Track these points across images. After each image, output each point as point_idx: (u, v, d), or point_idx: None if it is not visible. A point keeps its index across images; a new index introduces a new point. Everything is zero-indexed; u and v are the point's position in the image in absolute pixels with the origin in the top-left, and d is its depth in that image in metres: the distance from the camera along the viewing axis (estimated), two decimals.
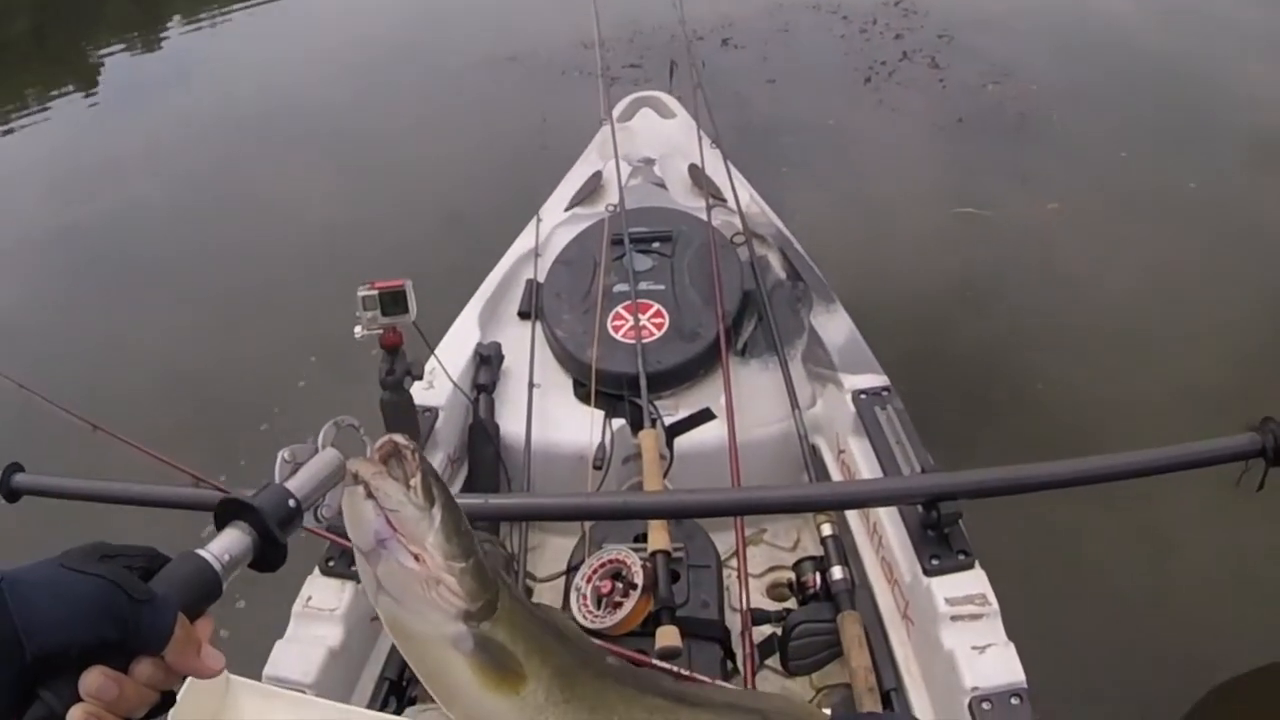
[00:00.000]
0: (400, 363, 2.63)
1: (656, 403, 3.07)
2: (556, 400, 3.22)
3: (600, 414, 3.07)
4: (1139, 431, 4.07)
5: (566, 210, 4.21)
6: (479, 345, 3.31)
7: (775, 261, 3.70)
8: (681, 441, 2.98)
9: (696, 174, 4.28)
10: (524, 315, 3.58)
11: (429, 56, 10.56)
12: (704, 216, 3.76)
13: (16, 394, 2.94)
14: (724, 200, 3.99)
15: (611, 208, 3.89)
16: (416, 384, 2.75)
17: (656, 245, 3.64)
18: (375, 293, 2.53)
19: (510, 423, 3.13)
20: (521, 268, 3.81)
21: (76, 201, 8.31)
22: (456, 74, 9.77)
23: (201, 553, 1.01)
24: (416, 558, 1.08)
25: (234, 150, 8.85)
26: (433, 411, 2.93)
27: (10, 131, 11.43)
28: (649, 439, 2.82)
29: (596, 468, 2.91)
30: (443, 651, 1.12)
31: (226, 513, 1.07)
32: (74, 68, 15.03)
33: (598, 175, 4.36)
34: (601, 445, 2.96)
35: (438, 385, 3.01)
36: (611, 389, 3.13)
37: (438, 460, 2.89)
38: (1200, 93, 7.25)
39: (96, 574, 0.90)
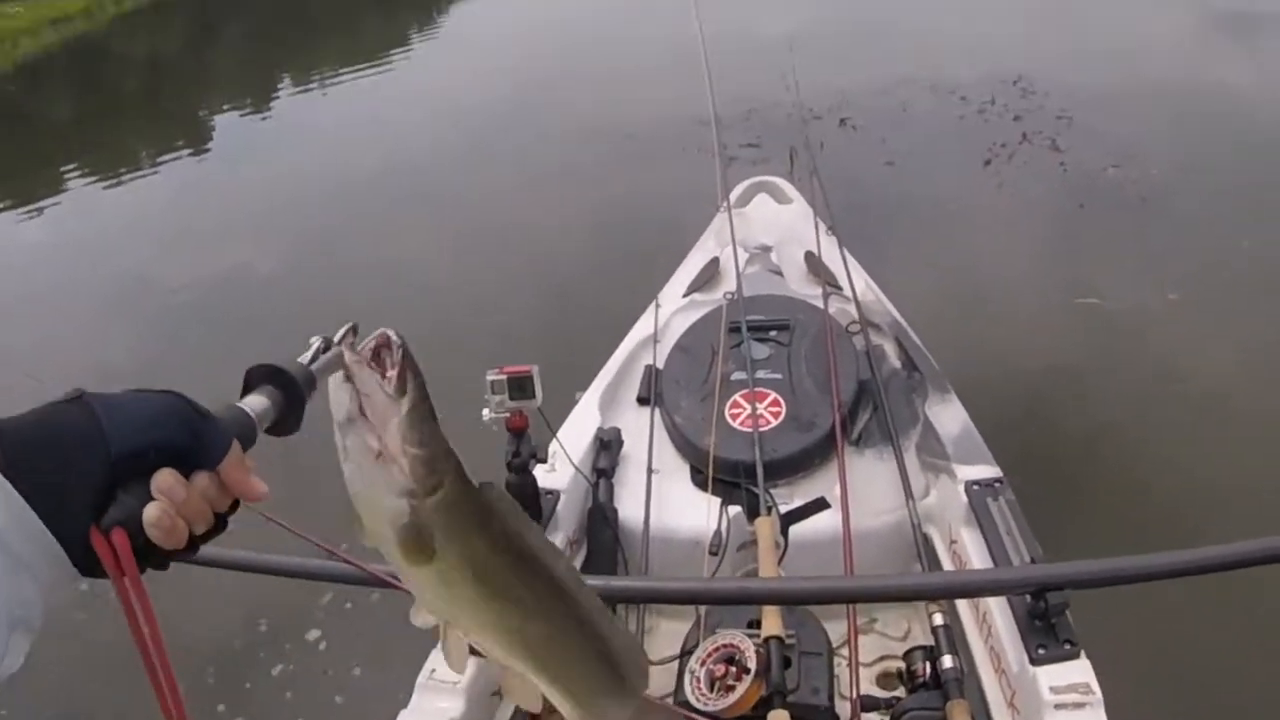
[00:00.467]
0: (525, 446, 2.74)
1: (772, 490, 3.11)
2: (674, 486, 3.30)
3: (717, 500, 3.12)
4: (1252, 524, 4.03)
5: (685, 296, 4.30)
6: (599, 430, 3.41)
7: (891, 350, 3.75)
8: (796, 529, 3.03)
9: (813, 261, 4.35)
10: (643, 401, 3.67)
11: (541, 127, 10.74)
12: (820, 304, 3.82)
13: None
14: (840, 288, 4.06)
15: (729, 295, 3.96)
16: (539, 466, 2.85)
17: (774, 333, 3.70)
18: (504, 378, 2.65)
19: (628, 507, 3.21)
20: (641, 353, 3.90)
21: (184, 259, 8.58)
22: (570, 147, 9.94)
23: (240, 405, 1.15)
24: (379, 438, 1.21)
25: (345, 211, 9.08)
26: (554, 494, 3.03)
27: (119, 184, 11.84)
28: (765, 526, 2.88)
29: (712, 553, 2.97)
30: (381, 519, 1.25)
31: (258, 377, 1.22)
32: (186, 127, 15.57)
33: (715, 262, 4.45)
34: (718, 531, 3.02)
35: (559, 469, 3.11)
36: (728, 476, 3.19)
37: (558, 541, 2.98)
38: None
39: (169, 392, 1.04)
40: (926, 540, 2.99)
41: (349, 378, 1.23)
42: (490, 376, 2.66)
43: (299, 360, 1.26)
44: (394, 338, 1.24)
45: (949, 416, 3.26)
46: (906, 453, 3.23)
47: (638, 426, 3.49)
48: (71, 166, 13.29)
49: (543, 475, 2.97)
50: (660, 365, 3.76)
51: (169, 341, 7.42)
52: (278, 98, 17.21)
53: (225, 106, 16.68)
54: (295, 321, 7.10)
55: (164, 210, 10.78)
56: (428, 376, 1.20)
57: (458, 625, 1.33)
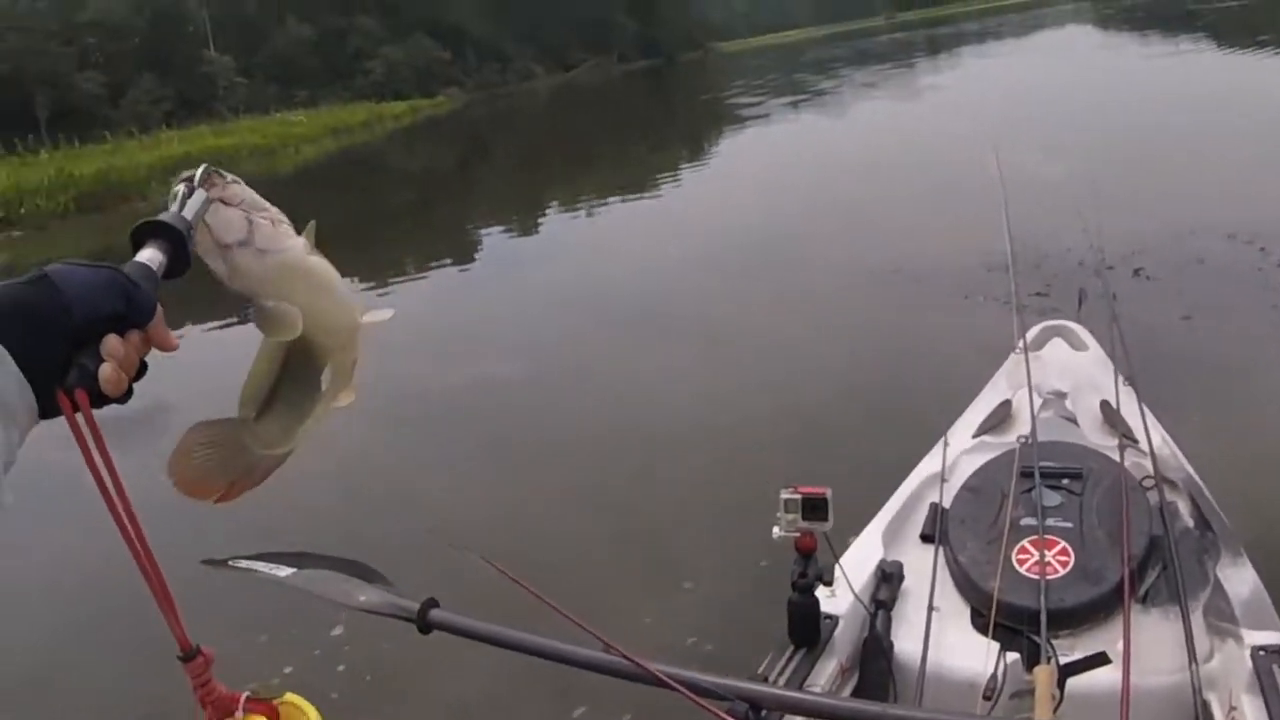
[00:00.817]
0: (812, 567, 2.84)
1: (1053, 640, 3.09)
2: (953, 626, 3.31)
3: (996, 645, 3.11)
4: None
5: (974, 437, 4.32)
6: (882, 562, 3.47)
7: (1184, 508, 3.68)
8: (1073, 682, 2.99)
9: (1109, 412, 4.31)
10: (926, 539, 3.70)
11: (818, 262, 10.83)
12: (1115, 456, 3.78)
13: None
14: (1136, 440, 4.01)
15: (1023, 439, 3.96)
16: (821, 590, 2.94)
17: (1066, 481, 3.68)
18: (799, 497, 2.76)
19: (905, 641, 3.24)
20: (926, 491, 3.94)
21: (446, 366, 8.99)
22: (858, 285, 10.00)
23: (143, 261, 1.29)
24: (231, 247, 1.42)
25: (605, 332, 9.36)
26: (834, 619, 3.11)
27: (388, 294, 12.49)
28: (1044, 675, 2.86)
29: (986, 698, 2.96)
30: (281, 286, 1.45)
31: (144, 233, 1.33)
32: (453, 241, 16.28)
33: (1007, 404, 4.46)
34: (994, 676, 3.02)
35: (839, 595, 3.18)
36: (1010, 621, 3.17)
37: (831, 666, 3.07)
38: None
39: (106, 266, 1.22)
40: (1205, 707, 2.90)
41: (226, 202, 1.44)
42: (784, 495, 2.78)
43: (174, 211, 1.39)
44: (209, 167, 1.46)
45: (1239, 579, 3.18)
46: (1194, 614, 3.15)
47: (920, 564, 3.53)
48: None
49: (824, 599, 3.05)
50: (946, 504, 3.79)
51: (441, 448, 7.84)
52: (545, 218, 17.88)
53: (492, 224, 17.44)
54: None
55: (424, 314, 11.34)
56: None
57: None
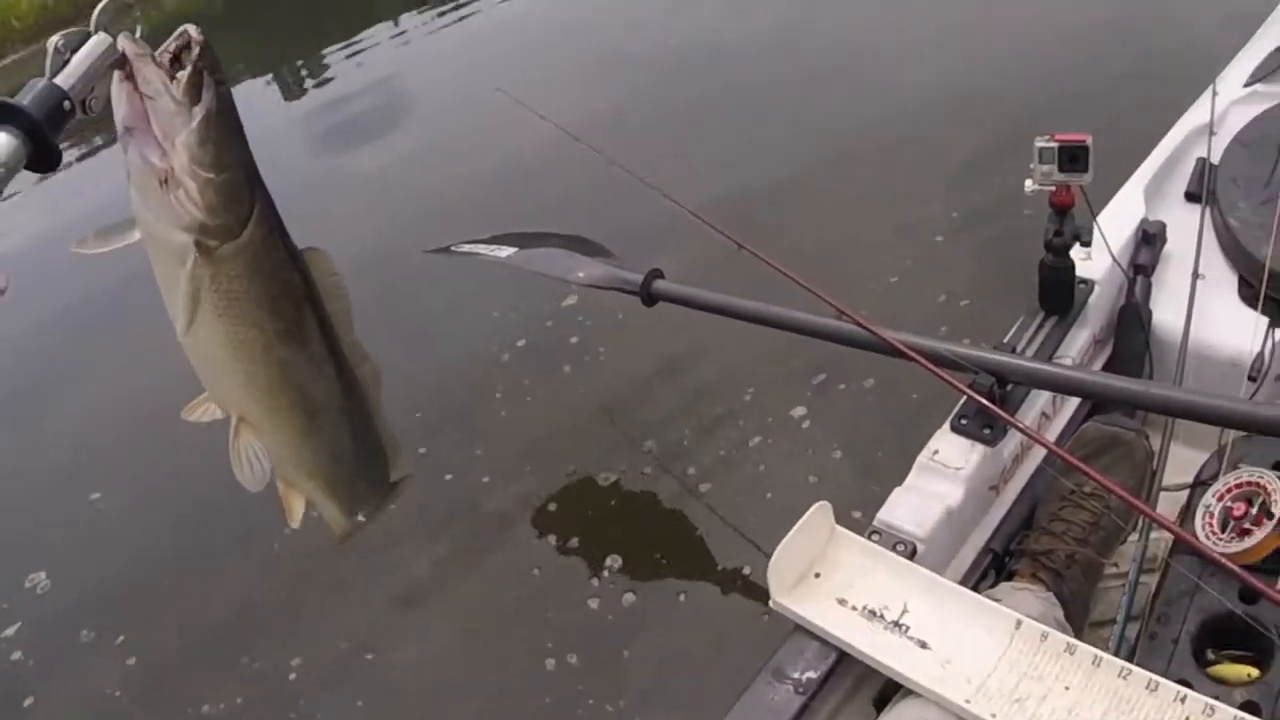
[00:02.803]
0: (1069, 225, 2.50)
1: None
2: (1218, 296, 2.94)
3: (1265, 320, 2.76)
4: None
5: (1246, 86, 3.81)
6: (1143, 222, 3.08)
7: None
8: None
9: None
10: (1192, 197, 3.29)
11: None
12: None
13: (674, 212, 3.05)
14: None
15: None
16: (1077, 251, 2.60)
17: None
18: (1055, 145, 2.38)
19: (1165, 311, 2.91)
20: (1192, 144, 3.49)
21: None
22: None
23: None
24: (164, 153, 1.07)
25: None
26: (1088, 284, 2.77)
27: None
28: None
29: (1251, 379, 2.64)
30: (170, 263, 1.14)
31: None
32: None
33: None
34: (1260, 355, 2.68)
35: (1096, 258, 2.82)
36: None
37: (1084, 336, 2.76)
38: None
39: None
40: None
41: (129, 76, 1.08)
42: (1039, 143, 2.40)
43: (45, 80, 1.11)
44: (195, 36, 1.09)
45: None
46: None
47: (1184, 225, 3.12)
48: None
49: (1079, 263, 2.70)
50: (1215, 160, 3.34)
51: None
52: None
53: None
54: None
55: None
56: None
57: (240, 417, 1.33)
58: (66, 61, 1.11)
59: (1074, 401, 2.76)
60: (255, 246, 1.17)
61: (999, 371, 2.27)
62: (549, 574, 3.65)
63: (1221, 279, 3.00)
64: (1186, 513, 2.35)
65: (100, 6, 1.11)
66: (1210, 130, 3.50)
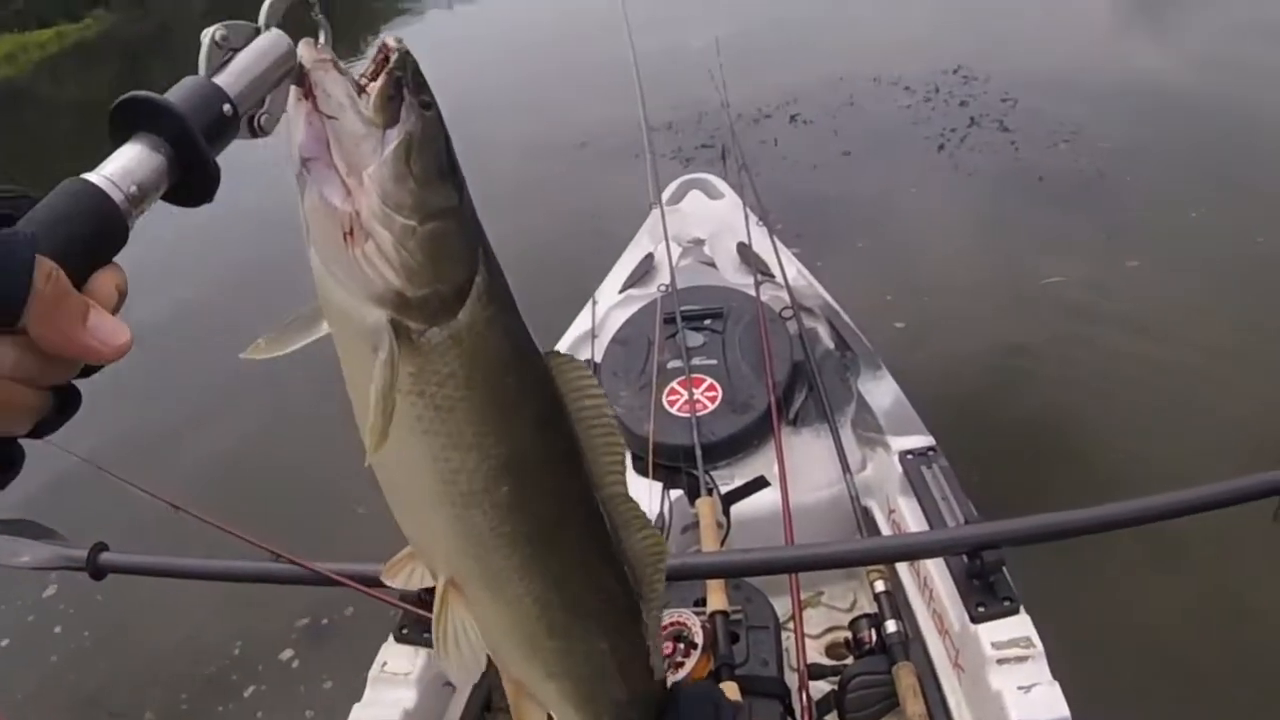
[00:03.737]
0: None
1: (712, 472, 3.17)
2: None
3: (659, 485, 3.14)
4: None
5: (620, 292, 4.35)
6: None
7: (824, 333, 3.81)
8: (738, 509, 3.08)
9: (745, 251, 4.41)
10: None
11: (480, 136, 10.63)
12: (753, 293, 3.87)
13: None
14: (772, 275, 4.11)
15: (664, 288, 3.99)
16: None
17: (708, 322, 3.76)
18: None
19: None
20: (579, 349, 3.92)
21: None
22: (514, 157, 9.85)
23: (91, 177, 0.71)
24: (349, 193, 0.78)
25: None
26: None
27: None
28: (706, 507, 2.93)
29: None
30: (357, 352, 0.83)
31: (127, 119, 0.75)
32: None
33: (650, 257, 4.50)
34: (660, 515, 3.06)
35: None
36: (669, 461, 3.22)
37: None
38: (1255, 140, 7.37)
39: None
40: (866, 513, 3.04)
41: (308, 92, 0.80)
42: None
43: (203, 77, 0.79)
44: (393, 44, 0.82)
45: (881, 391, 3.32)
46: (843, 429, 3.28)
47: None
48: None
49: None
50: (599, 359, 3.80)
51: None
52: None
53: None
54: None
55: None
56: None
57: (461, 584, 0.96)
58: (228, 61, 0.80)
59: None
60: (478, 333, 0.84)
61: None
62: None
63: None
64: None
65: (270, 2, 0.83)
66: (593, 334, 3.97)
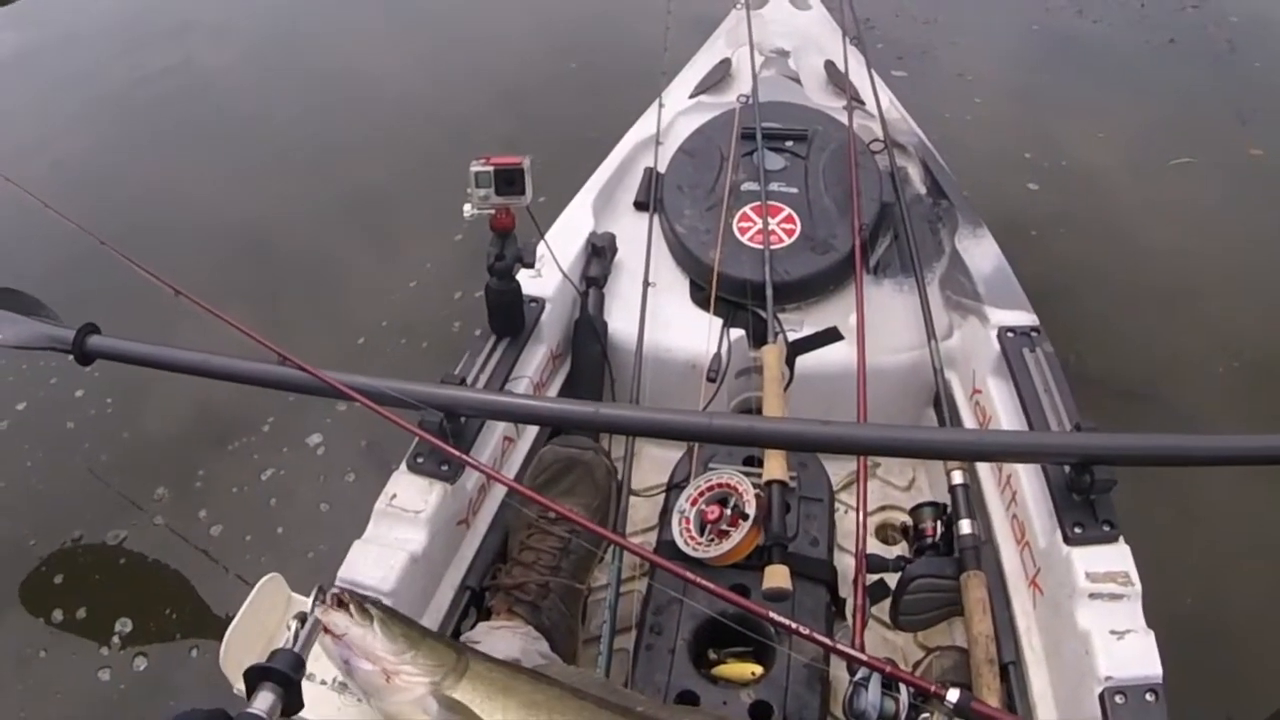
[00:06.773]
0: (510, 247, 2.42)
1: (780, 315, 2.83)
2: (671, 301, 2.99)
3: (719, 321, 2.83)
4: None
5: (691, 97, 3.95)
6: (591, 235, 3.08)
7: (915, 175, 3.43)
8: (804, 360, 2.73)
9: (834, 72, 3.99)
10: (641, 206, 3.33)
11: None
12: (842, 118, 3.47)
13: (94, 252, 2.78)
14: (863, 103, 3.72)
15: (743, 98, 3.59)
16: (525, 272, 2.54)
17: (790, 144, 3.37)
18: (490, 169, 2.29)
19: (620, 320, 2.91)
20: (640, 155, 3.55)
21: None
22: None
23: (254, 710, 1.33)
24: (374, 663, 1.50)
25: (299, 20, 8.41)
26: (539, 302, 2.71)
27: None
28: (772, 355, 2.59)
29: (710, 379, 2.68)
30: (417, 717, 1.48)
31: (256, 677, 1.39)
32: None
33: (726, 62, 4.09)
34: (717, 355, 2.74)
35: (546, 275, 2.79)
36: (733, 295, 2.89)
37: (539, 354, 2.70)
38: None
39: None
40: (946, 386, 2.69)
41: (327, 629, 1.51)
42: (474, 168, 2.29)
43: (284, 647, 1.46)
44: (334, 591, 1.55)
45: (981, 253, 2.93)
46: (930, 286, 2.93)
47: (634, 234, 3.16)
48: None
49: (527, 281, 2.64)
50: (662, 169, 3.43)
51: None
52: None
53: None
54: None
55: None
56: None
57: None
58: (297, 634, 1.49)
59: None
60: (474, 672, 1.55)
61: (447, 406, 2.17)
62: (55, 653, 3.27)
63: (673, 284, 3.06)
64: (664, 517, 2.35)
65: (309, 625, 1.52)
66: (657, 140, 3.59)
